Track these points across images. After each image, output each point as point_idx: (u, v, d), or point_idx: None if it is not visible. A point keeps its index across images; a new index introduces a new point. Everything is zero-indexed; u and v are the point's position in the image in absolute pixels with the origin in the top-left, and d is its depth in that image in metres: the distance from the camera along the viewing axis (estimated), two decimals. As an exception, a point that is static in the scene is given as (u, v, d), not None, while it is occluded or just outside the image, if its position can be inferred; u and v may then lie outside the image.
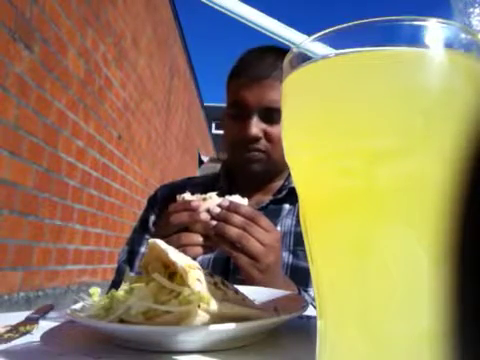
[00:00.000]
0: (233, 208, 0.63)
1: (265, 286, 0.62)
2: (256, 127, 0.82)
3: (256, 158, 0.85)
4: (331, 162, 0.25)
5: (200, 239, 0.63)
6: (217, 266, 0.82)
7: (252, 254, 0.61)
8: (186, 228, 0.64)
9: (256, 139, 0.82)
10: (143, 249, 0.90)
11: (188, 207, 0.63)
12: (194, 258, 0.64)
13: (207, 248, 0.64)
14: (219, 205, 0.63)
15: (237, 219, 0.62)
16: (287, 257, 0.81)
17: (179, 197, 0.67)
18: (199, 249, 0.63)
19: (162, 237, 0.63)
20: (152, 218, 0.96)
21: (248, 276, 0.62)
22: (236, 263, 0.63)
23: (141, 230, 0.95)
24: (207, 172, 1.59)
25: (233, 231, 0.61)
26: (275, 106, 0.81)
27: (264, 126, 0.83)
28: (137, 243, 0.92)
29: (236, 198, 0.66)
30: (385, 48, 0.24)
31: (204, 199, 0.64)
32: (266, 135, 0.83)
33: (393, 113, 0.23)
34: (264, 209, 0.88)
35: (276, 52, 0.86)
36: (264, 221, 0.63)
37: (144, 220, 0.97)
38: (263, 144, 0.83)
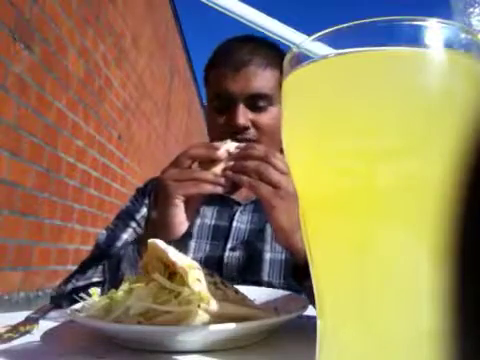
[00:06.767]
0: (250, 147, 0.64)
1: (286, 214, 0.61)
2: (243, 116, 0.78)
3: None
4: (331, 162, 0.25)
5: (212, 177, 0.63)
6: (210, 266, 0.81)
7: (273, 182, 0.61)
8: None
9: (244, 128, 0.79)
10: (125, 236, 0.86)
11: (208, 146, 0.65)
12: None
13: (217, 186, 0.63)
14: (238, 147, 0.65)
15: (256, 152, 0.62)
16: (282, 252, 0.80)
17: None
18: (209, 186, 0.63)
19: (175, 167, 0.64)
20: (140, 209, 0.92)
21: (269, 205, 0.61)
22: (256, 193, 0.63)
23: (126, 217, 0.91)
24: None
25: (252, 163, 0.62)
26: (261, 92, 0.79)
27: (251, 115, 0.79)
28: (120, 229, 0.87)
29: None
30: (385, 48, 0.24)
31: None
32: (254, 124, 0.80)
33: (393, 113, 0.23)
34: (255, 203, 0.85)
35: (254, 40, 0.84)
36: (282, 159, 0.63)
37: (131, 209, 0.92)
38: (252, 134, 0.80)
